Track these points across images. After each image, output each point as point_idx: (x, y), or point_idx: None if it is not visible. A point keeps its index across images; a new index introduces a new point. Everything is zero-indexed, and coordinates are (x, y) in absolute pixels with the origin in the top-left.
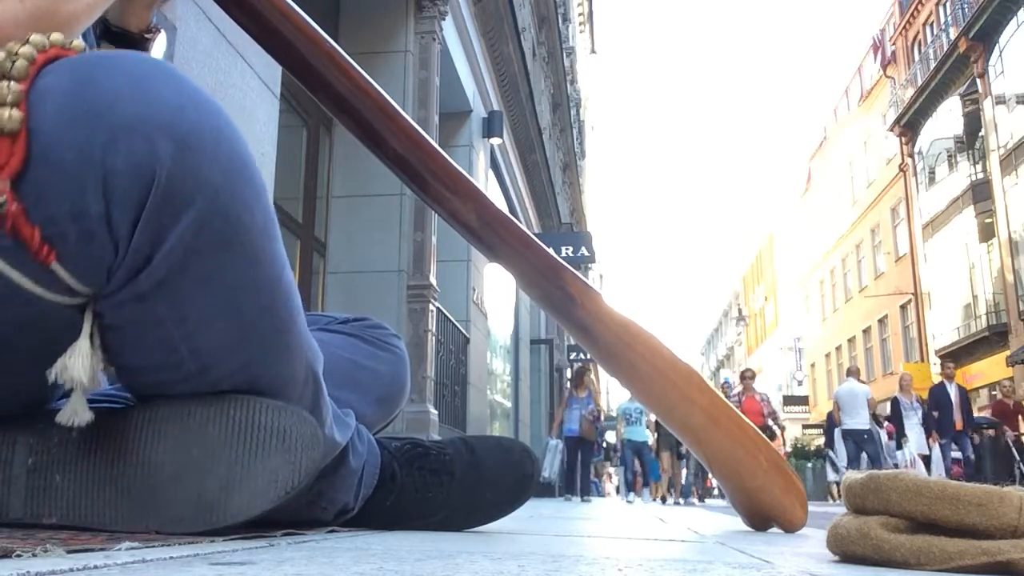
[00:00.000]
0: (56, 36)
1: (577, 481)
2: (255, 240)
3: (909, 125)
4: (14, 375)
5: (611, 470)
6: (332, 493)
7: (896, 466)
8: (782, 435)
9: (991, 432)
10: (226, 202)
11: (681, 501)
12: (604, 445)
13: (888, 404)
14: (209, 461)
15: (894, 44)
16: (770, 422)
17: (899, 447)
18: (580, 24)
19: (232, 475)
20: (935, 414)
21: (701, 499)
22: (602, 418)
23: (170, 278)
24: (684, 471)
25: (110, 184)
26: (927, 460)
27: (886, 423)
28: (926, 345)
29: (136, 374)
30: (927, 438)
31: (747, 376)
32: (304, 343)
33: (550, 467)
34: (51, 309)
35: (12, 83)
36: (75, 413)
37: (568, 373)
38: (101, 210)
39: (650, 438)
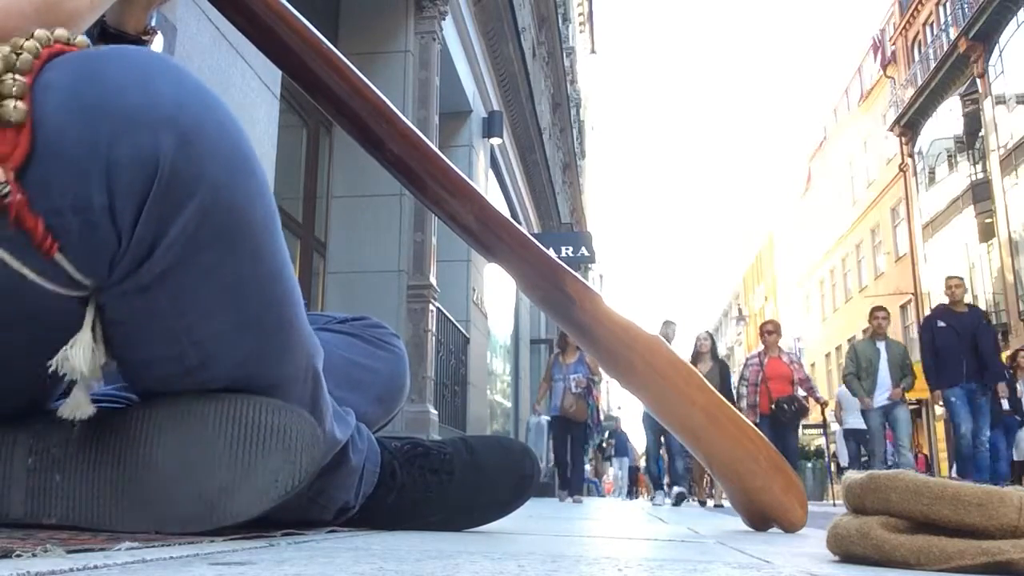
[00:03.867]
0: (60, 32)
1: (568, 473)
2: (256, 234)
3: (909, 125)
4: (16, 368)
5: (610, 468)
6: (333, 491)
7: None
8: (823, 410)
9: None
10: (228, 196)
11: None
12: (596, 427)
13: None
14: (209, 461)
15: (894, 44)
16: (801, 392)
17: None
18: (580, 24)
19: (232, 475)
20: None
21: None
22: (599, 389)
23: (172, 270)
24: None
25: (113, 176)
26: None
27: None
28: None
29: (137, 368)
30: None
31: (768, 331)
32: (304, 338)
33: (541, 455)
34: (54, 301)
35: (17, 76)
36: (77, 406)
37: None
38: (104, 202)
39: None
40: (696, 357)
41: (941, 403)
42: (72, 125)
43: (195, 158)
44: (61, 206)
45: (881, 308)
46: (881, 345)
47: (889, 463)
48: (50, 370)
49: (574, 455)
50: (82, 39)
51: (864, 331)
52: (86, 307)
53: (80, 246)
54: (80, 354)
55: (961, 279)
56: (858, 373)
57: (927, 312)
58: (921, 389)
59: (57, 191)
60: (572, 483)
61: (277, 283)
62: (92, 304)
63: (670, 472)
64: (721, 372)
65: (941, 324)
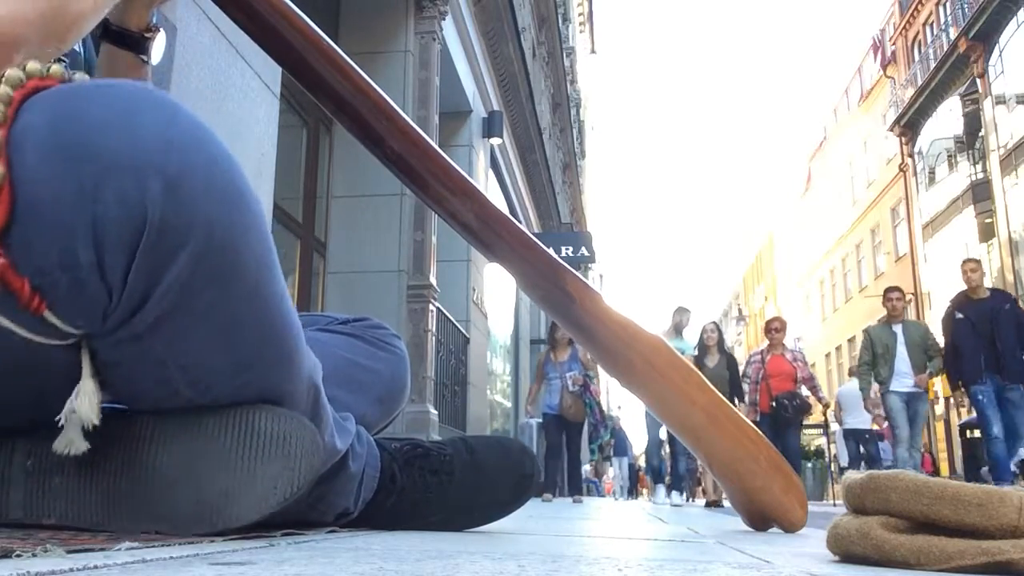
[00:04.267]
0: (32, 66)
1: (564, 474)
2: (252, 272)
3: (909, 125)
4: (13, 407)
5: (610, 468)
6: (332, 498)
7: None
8: (825, 411)
9: None
10: (222, 236)
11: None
12: (602, 424)
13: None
14: (208, 466)
15: (894, 44)
16: (804, 390)
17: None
18: (580, 24)
19: (232, 481)
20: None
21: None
22: (595, 385)
23: (166, 317)
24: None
25: (100, 230)
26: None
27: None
28: None
29: (134, 401)
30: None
31: (774, 328)
32: (305, 362)
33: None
34: (46, 349)
35: None
36: (71, 443)
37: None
38: (92, 258)
39: None
40: (703, 350)
41: (962, 402)
42: (54, 177)
43: (186, 201)
44: (46, 265)
45: (895, 288)
46: (898, 328)
47: (887, 463)
48: (59, 424)
49: (571, 455)
50: (56, 68)
51: (880, 320)
52: (79, 352)
53: (69, 303)
54: (86, 403)
55: (978, 261)
56: (874, 361)
57: (926, 311)
58: (924, 389)
59: (41, 250)
60: (571, 483)
61: (276, 318)
62: (86, 351)
63: (672, 472)
64: (729, 365)
65: (959, 315)
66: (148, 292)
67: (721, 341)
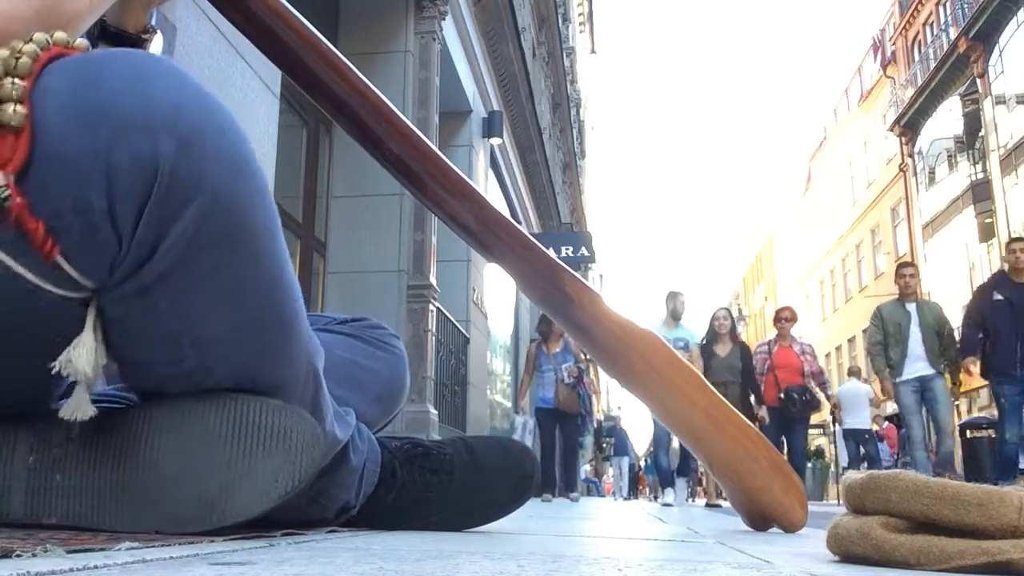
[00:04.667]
0: (59, 35)
1: (556, 471)
2: (256, 236)
3: (909, 125)
4: (18, 369)
5: (610, 468)
6: (333, 491)
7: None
8: (833, 409)
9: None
10: (228, 198)
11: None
12: (589, 418)
13: (888, 404)
14: (210, 461)
15: (894, 44)
16: (812, 385)
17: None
18: (580, 24)
19: (233, 475)
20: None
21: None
22: (589, 378)
23: (172, 271)
24: None
25: (113, 180)
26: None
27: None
28: None
29: (138, 369)
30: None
31: (784, 318)
32: (305, 339)
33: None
34: (55, 303)
35: (16, 80)
36: (78, 408)
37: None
38: (104, 205)
39: None
40: (714, 338)
41: (971, 381)
42: (72, 129)
43: (195, 161)
44: (61, 209)
45: (908, 264)
46: (911, 308)
47: (886, 464)
48: (53, 371)
49: (567, 450)
50: (81, 42)
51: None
52: (87, 309)
53: (80, 248)
54: (83, 355)
55: None
56: (885, 341)
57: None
58: None
59: (57, 194)
60: (568, 480)
61: (277, 285)
62: (93, 306)
63: (679, 470)
64: (743, 355)
65: (997, 297)
66: (156, 244)
67: (734, 328)
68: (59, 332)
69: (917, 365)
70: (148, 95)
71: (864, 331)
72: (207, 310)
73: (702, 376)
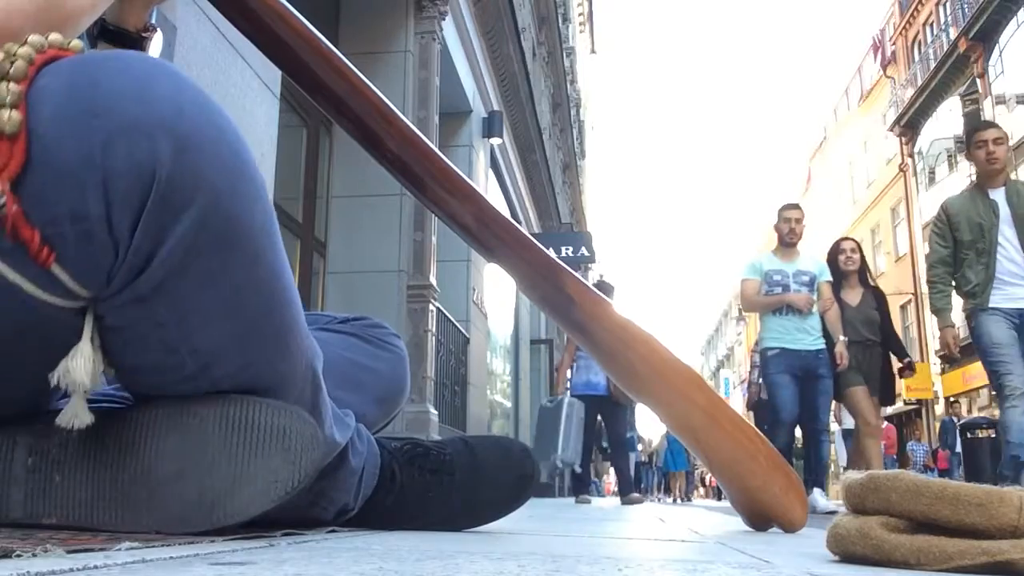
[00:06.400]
0: (54, 37)
1: (590, 468)
2: (255, 240)
3: (909, 125)
4: (14, 378)
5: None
6: (332, 493)
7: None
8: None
9: (991, 433)
10: (226, 202)
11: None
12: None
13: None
14: (209, 461)
15: (894, 44)
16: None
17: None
18: (580, 24)
19: (232, 475)
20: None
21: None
22: None
23: (170, 279)
24: None
25: (110, 186)
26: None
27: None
28: (926, 345)
29: (136, 375)
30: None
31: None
32: (304, 342)
33: (569, 445)
34: (51, 312)
35: (11, 84)
36: (75, 416)
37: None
38: (101, 211)
39: None
40: (842, 278)
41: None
42: (67, 134)
43: (192, 165)
44: (57, 216)
45: (991, 124)
46: (998, 195)
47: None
48: (52, 384)
49: (616, 445)
50: (77, 43)
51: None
52: (84, 318)
53: (77, 256)
54: (80, 365)
55: None
56: (956, 255)
57: (927, 311)
58: (924, 389)
59: (53, 201)
60: (621, 483)
61: (276, 289)
62: (90, 314)
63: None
64: (879, 303)
65: None
66: (153, 251)
67: (864, 268)
68: (56, 341)
69: (1012, 291)
70: (146, 97)
71: (940, 208)
72: (206, 316)
73: (702, 377)
